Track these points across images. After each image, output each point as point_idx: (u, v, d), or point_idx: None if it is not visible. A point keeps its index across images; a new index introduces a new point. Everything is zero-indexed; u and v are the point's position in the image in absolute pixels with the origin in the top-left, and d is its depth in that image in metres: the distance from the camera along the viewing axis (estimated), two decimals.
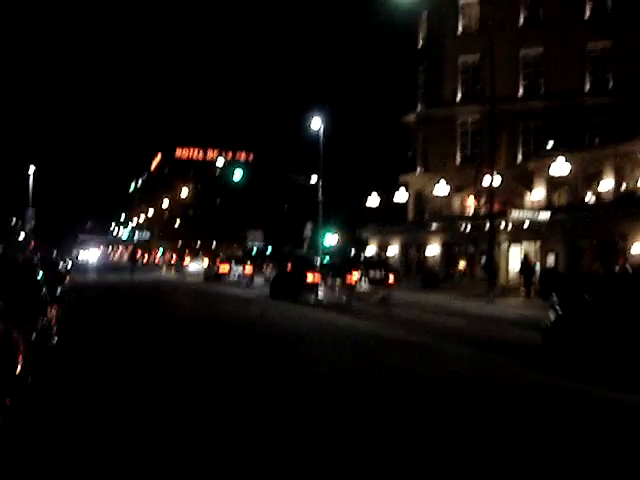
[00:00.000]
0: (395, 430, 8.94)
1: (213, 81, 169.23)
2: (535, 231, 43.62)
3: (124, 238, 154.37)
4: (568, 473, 7.49)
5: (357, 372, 13.41)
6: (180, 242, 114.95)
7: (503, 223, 43.89)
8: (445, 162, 55.45)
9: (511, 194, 49.42)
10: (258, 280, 48.10)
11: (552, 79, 52.33)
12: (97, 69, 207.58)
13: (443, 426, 9.23)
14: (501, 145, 47.48)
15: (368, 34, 79.12)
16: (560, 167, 43.08)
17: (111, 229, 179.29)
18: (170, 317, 24.41)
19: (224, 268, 52.70)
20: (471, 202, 54.00)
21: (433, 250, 53.46)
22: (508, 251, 46.51)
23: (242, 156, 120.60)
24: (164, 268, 79.53)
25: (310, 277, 32.57)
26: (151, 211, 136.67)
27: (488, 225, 37.76)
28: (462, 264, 51.91)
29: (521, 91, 54.06)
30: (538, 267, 41.72)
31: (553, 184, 47.37)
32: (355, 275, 35.54)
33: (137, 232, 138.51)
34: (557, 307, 15.25)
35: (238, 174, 60.80)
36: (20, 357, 6.97)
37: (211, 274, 53.75)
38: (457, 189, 54.58)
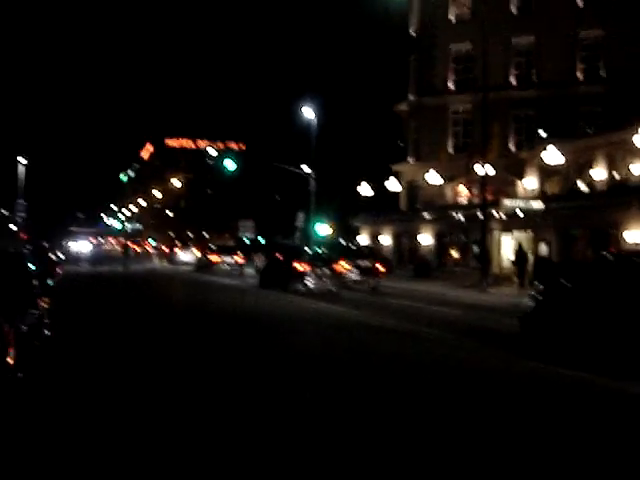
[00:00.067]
0: (378, 411, 9.30)
1: (203, 70, 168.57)
2: (528, 220, 43.59)
3: (115, 228, 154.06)
4: (533, 449, 7.73)
5: (342, 355, 13.94)
6: (172, 232, 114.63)
7: (495, 212, 43.83)
8: (437, 151, 55.35)
9: (503, 183, 49.36)
10: (249, 270, 48.16)
11: (544, 68, 52.23)
12: (87, 60, 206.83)
13: (420, 406, 9.74)
14: (493, 134, 47.38)
15: (360, 23, 78.93)
16: (552, 156, 43.11)
17: (102, 220, 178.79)
18: (161, 306, 24.39)
19: (214, 258, 52.77)
20: (463, 191, 53.95)
21: (425, 240, 53.39)
22: (500, 240, 46.48)
23: (233, 146, 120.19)
24: (156, 258, 79.42)
25: (299, 267, 32.67)
26: (142, 202, 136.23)
27: (481, 214, 37.71)
28: (455, 253, 51.89)
29: (513, 80, 53.97)
30: (531, 256, 41.71)
31: (545, 173, 47.36)
32: (344, 264, 35.67)
33: (128, 223, 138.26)
34: (535, 294, 15.78)
35: (230, 164, 60.57)
36: (11, 350, 6.84)
37: (202, 264, 53.84)
38: (449, 178, 54.53)
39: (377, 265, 38.18)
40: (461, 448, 7.71)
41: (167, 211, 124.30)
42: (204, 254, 56.55)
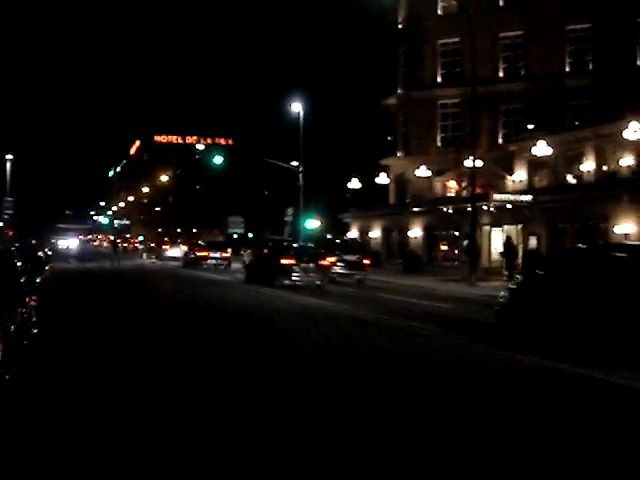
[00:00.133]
0: (355, 394, 9.96)
1: (190, 67, 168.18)
2: (517, 213, 43.61)
3: (104, 225, 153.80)
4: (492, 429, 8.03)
5: (323, 345, 14.54)
6: (160, 228, 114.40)
7: (485, 206, 43.82)
8: (426, 145, 55.33)
9: (492, 177, 49.35)
10: (236, 265, 48.26)
11: (532, 61, 52.25)
12: (75, 57, 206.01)
13: (396, 395, 10.09)
14: (482, 128, 47.35)
15: (348, 16, 78.79)
16: (541, 149, 43.14)
17: (91, 216, 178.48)
18: (149, 302, 24.39)
19: (202, 254, 52.94)
20: (452, 185, 53.94)
21: (415, 234, 53.39)
22: (490, 234, 46.48)
23: (222, 141, 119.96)
24: (144, 254, 79.28)
25: (284, 261, 32.74)
26: (131, 198, 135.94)
27: (470, 208, 37.71)
28: (444, 247, 51.89)
29: (501, 73, 53.99)
30: (521, 249, 41.77)
31: (534, 166, 47.38)
32: (330, 259, 35.80)
33: (117, 219, 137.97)
34: (510, 286, 16.23)
35: (218, 158, 60.55)
36: None
37: (189, 260, 53.92)
38: (438, 172, 54.53)
39: (363, 259, 38.41)
40: (429, 436, 7.83)
41: (155, 207, 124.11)
42: (191, 250, 56.62)
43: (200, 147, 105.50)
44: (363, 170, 64.53)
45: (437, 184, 55.73)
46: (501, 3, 53.78)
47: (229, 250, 54.30)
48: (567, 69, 51.67)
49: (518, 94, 51.99)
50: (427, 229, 52.77)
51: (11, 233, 59.26)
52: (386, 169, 61.18)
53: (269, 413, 8.79)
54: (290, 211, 56.56)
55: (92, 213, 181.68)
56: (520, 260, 39.85)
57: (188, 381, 10.59)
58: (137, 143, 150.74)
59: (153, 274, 44.48)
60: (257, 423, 8.29)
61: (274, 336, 15.92)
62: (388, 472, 6.67)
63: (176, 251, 67.68)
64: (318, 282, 32.18)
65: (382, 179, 61.04)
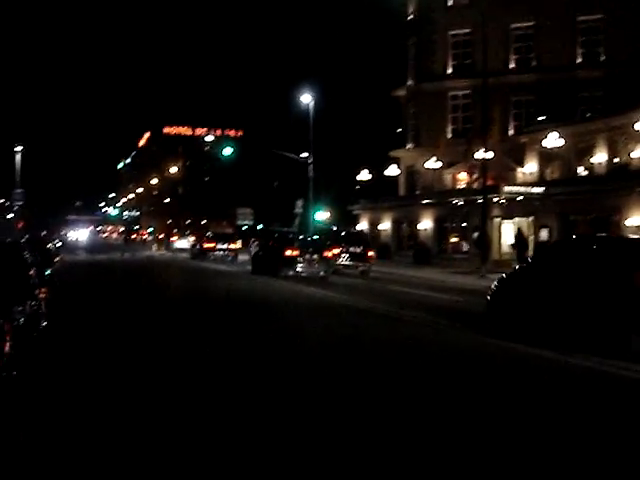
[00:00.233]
0: (352, 379, 10.42)
1: (200, 58, 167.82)
2: (528, 205, 43.42)
3: (113, 216, 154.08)
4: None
5: (323, 333, 15.05)
6: (170, 220, 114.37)
7: (495, 198, 43.66)
8: (436, 137, 55.09)
9: (503, 168, 49.15)
10: (243, 257, 48.44)
11: (543, 52, 51.92)
12: (85, 48, 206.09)
13: (394, 383, 10.43)
14: (493, 119, 47.10)
15: (358, 7, 78.49)
16: (552, 141, 42.92)
17: (100, 208, 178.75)
18: (158, 294, 24.50)
19: (209, 245, 53.17)
20: (463, 177, 53.75)
21: (425, 226, 53.24)
22: (501, 226, 46.30)
23: (231, 133, 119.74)
24: (154, 246, 79.43)
25: (289, 252, 33.12)
26: (140, 189, 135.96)
27: (480, 200, 37.54)
28: (454, 239, 51.72)
29: (512, 65, 53.69)
30: (531, 242, 41.61)
31: (545, 158, 47.16)
32: (335, 250, 36.02)
33: (126, 210, 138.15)
34: (501, 276, 16.81)
35: (228, 150, 60.53)
36: (6, 347, 6.65)
37: (197, 251, 54.20)
38: (448, 164, 54.33)
39: (367, 251, 38.65)
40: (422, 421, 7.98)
41: (165, 199, 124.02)
42: (198, 241, 56.90)
43: (210, 138, 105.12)
44: (373, 162, 64.31)
45: (447, 176, 55.56)
46: None
47: (237, 242, 54.50)
48: (579, 60, 51.33)
49: (529, 85, 51.71)
50: (437, 221, 52.61)
51: (21, 225, 59.24)
52: (396, 161, 61.00)
53: (273, 395, 8.99)
54: (300, 203, 56.40)
55: (102, 205, 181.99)
56: (531, 252, 39.69)
57: (196, 371, 10.61)
58: (146, 134, 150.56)
59: (161, 266, 44.73)
60: (261, 404, 8.49)
61: (275, 325, 16.09)
62: (390, 455, 6.64)
63: (184, 243, 67.93)
64: (322, 273, 32.64)
65: (392, 171, 60.87)
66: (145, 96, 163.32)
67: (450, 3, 56.16)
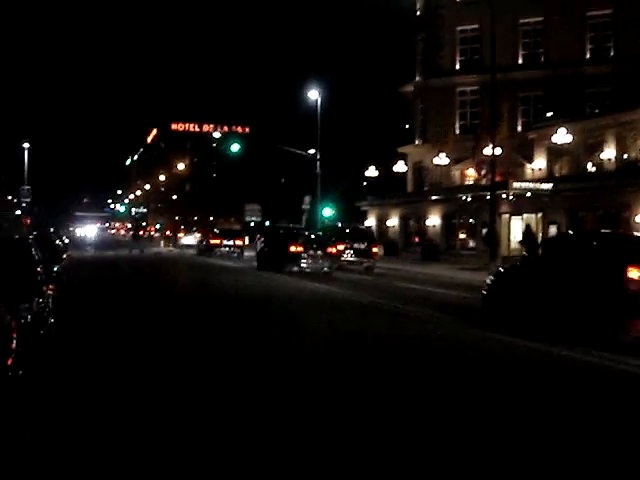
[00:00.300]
0: (355, 374, 10.45)
1: (208, 54, 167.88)
2: (537, 202, 43.28)
3: (121, 213, 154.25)
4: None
5: (326, 329, 15.13)
6: (177, 216, 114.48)
7: (504, 194, 43.54)
8: (444, 133, 54.94)
9: (511, 164, 49.00)
10: (249, 253, 48.55)
11: (552, 48, 51.71)
12: (92, 45, 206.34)
13: (394, 375, 10.58)
14: (501, 115, 46.94)
15: (365, 3, 78.28)
16: (561, 137, 42.75)
17: (108, 204, 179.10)
18: (166, 289, 24.64)
19: (216, 242, 53.37)
20: (471, 173, 53.61)
21: (433, 222, 53.14)
22: (509, 222, 46.17)
23: (239, 129, 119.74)
24: (161, 242, 79.60)
25: (293, 248, 33.26)
26: (148, 186, 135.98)
27: (489, 196, 37.43)
28: (462, 236, 51.62)
29: (521, 60, 53.49)
30: (540, 238, 41.45)
31: (554, 154, 46.99)
32: (339, 246, 36.27)
33: (134, 207, 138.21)
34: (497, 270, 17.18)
35: (235, 146, 60.56)
36: (12, 345, 6.58)
37: (204, 247, 54.42)
38: (457, 160, 54.21)
39: (372, 247, 38.72)
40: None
41: (172, 195, 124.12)
42: (204, 238, 57.10)
43: (217, 135, 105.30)
44: (381, 158, 64.23)
45: (455, 172, 55.42)
46: None
47: (243, 238, 54.73)
48: (587, 56, 51.12)
49: (537, 81, 51.51)
50: (445, 217, 52.51)
51: (29, 221, 59.35)
52: (404, 157, 60.90)
53: (277, 389, 9.04)
54: (307, 199, 56.33)
55: (109, 201, 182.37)
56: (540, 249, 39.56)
57: (202, 366, 10.62)
58: (154, 131, 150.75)
59: (168, 262, 44.88)
60: (266, 397, 8.56)
61: (280, 322, 16.11)
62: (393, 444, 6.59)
63: (190, 239, 68.15)
64: (326, 269, 32.74)
65: (400, 167, 60.77)
66: (152, 93, 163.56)
67: None
